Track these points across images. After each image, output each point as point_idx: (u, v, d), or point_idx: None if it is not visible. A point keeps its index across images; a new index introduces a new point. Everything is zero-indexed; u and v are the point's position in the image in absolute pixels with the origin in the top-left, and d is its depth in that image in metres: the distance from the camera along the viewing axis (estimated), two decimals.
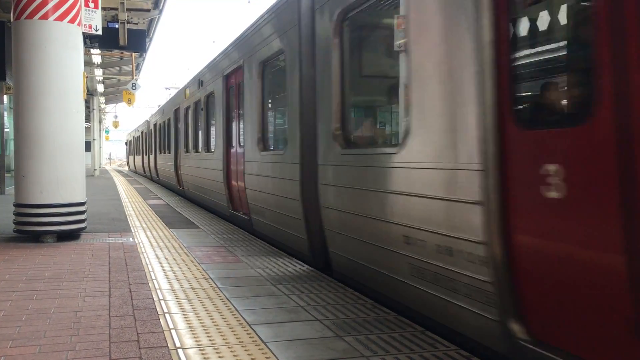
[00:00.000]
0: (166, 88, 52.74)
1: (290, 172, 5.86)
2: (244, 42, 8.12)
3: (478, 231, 3.00)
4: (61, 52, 6.82)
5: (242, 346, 3.16)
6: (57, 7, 6.76)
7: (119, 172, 38.69)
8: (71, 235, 7.13)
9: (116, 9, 13.81)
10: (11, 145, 13.92)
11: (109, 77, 25.79)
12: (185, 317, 3.71)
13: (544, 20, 3.03)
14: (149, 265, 5.45)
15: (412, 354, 3.07)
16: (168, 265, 5.48)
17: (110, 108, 46.12)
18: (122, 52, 18.20)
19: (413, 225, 3.64)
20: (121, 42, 13.68)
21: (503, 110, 2.84)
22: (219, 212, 10.19)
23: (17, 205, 6.90)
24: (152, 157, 23.81)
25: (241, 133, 8.32)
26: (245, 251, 6.32)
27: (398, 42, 4.07)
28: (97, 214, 9.98)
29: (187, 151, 13.50)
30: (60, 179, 6.85)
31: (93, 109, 29.04)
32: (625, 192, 2.22)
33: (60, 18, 6.81)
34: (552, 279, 2.61)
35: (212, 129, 10.69)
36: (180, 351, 3.08)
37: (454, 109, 3.22)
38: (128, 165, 44.20)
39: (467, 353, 3.09)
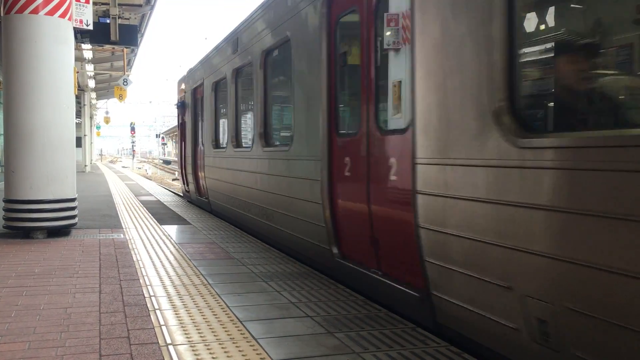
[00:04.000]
0: None
1: None
2: None
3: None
4: (52, 47, 6.77)
5: (233, 342, 3.16)
6: (47, 1, 6.70)
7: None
8: (61, 231, 7.09)
9: (107, 3, 13.72)
10: (1, 140, 13.79)
11: (100, 73, 25.65)
12: (176, 314, 3.70)
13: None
14: (140, 262, 5.43)
15: (403, 350, 3.08)
16: (159, 261, 5.46)
17: (101, 104, 45.85)
18: (113, 48, 18.09)
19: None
20: (112, 37, 13.58)
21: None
22: None
23: (6, 200, 6.85)
24: None
25: None
26: (236, 247, 6.31)
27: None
28: (88, 210, 9.93)
29: None
30: (51, 175, 6.81)
31: (84, 105, 28.86)
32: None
33: (51, 13, 6.75)
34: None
35: None
36: (171, 347, 3.07)
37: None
38: (185, 179, 12.95)
39: (457, 349, 3.11)
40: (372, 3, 4.30)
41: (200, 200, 11.07)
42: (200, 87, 10.98)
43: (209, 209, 10.26)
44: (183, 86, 12.89)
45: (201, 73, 10.82)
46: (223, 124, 9.46)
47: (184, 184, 13.22)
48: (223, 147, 9.12)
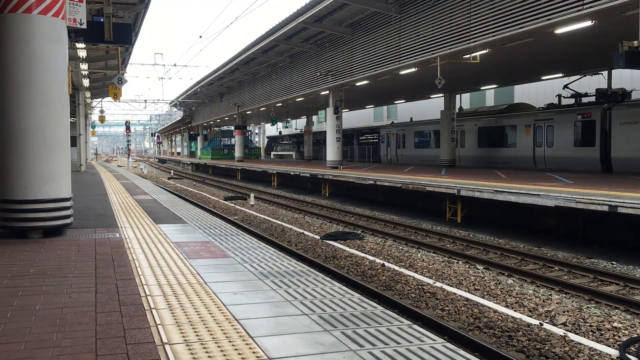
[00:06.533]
0: None
1: None
2: None
3: None
4: (45, 46, 6.74)
5: (230, 341, 3.16)
6: (40, 0, 6.68)
7: None
8: (57, 231, 7.07)
9: (101, 2, 13.67)
10: None
11: (94, 72, 25.54)
12: (172, 313, 3.70)
13: None
14: (136, 261, 5.42)
15: (399, 347, 3.09)
16: (155, 260, 5.45)
17: (96, 103, 45.69)
18: (107, 47, 18.02)
19: None
20: (106, 36, 13.52)
21: None
22: None
23: (1, 201, 6.82)
24: None
25: None
26: (232, 246, 6.31)
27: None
28: (83, 209, 9.91)
29: None
30: (45, 175, 6.79)
31: (79, 104, 28.74)
32: None
33: (44, 12, 6.72)
34: None
35: None
36: (167, 347, 3.07)
37: None
38: None
39: (454, 346, 3.12)
40: None
41: None
42: None
43: None
44: None
45: None
46: None
47: None
48: None
